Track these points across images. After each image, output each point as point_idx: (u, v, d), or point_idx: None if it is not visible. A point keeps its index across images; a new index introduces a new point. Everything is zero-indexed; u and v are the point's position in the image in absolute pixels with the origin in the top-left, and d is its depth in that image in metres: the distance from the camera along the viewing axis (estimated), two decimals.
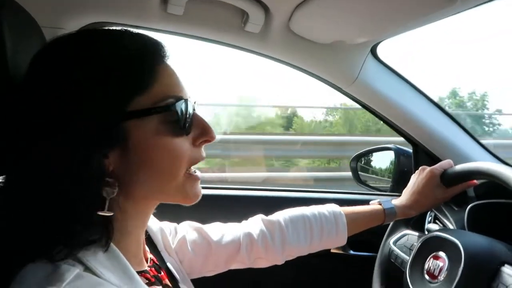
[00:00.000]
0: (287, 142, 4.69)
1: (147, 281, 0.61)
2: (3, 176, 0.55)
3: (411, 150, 1.37)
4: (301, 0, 0.87)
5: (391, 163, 1.51)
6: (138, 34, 0.58)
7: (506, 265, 0.75)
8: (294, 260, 0.94)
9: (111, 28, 0.60)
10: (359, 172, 1.58)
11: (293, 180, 4.53)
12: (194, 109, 0.61)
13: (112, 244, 0.54)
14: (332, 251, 1.32)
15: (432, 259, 0.85)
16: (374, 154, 1.60)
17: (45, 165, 0.50)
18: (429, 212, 1.15)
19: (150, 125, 0.54)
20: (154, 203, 0.63)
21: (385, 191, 1.48)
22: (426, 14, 0.84)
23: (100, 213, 0.52)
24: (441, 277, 0.80)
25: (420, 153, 1.31)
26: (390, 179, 1.49)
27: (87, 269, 0.50)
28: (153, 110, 0.54)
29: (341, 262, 1.34)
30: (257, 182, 4.27)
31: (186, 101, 0.58)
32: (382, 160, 1.60)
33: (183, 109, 0.57)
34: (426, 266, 0.85)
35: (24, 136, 0.51)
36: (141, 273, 0.61)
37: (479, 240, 0.85)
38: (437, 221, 1.12)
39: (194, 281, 0.82)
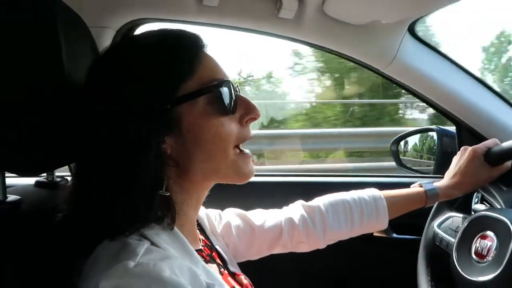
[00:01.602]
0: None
1: (203, 259, 0.65)
2: (74, 164, 0.61)
3: (454, 131, 1.33)
4: None
5: (433, 144, 1.47)
6: (176, 30, 0.64)
7: None
8: (337, 244, 0.95)
9: (152, 29, 0.65)
10: (401, 156, 1.55)
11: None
12: (237, 90, 0.65)
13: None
14: (375, 234, 1.31)
15: (479, 239, 0.83)
16: (415, 136, 1.56)
17: (112, 153, 0.55)
18: (475, 193, 1.11)
19: (198, 107, 0.59)
20: (209, 183, 0.67)
21: (428, 173, 1.45)
22: None
23: (160, 192, 0.57)
24: (490, 257, 0.78)
25: (463, 133, 1.27)
26: (433, 161, 1.45)
27: (153, 244, 0.54)
28: (199, 92, 0.59)
29: (384, 245, 1.32)
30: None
31: (228, 82, 0.62)
32: (424, 142, 1.56)
33: (227, 89, 0.62)
34: (473, 247, 0.83)
35: (93, 129, 0.57)
36: (197, 251, 0.64)
37: None
38: (484, 202, 1.08)
39: (239, 264, 0.86)
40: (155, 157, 0.56)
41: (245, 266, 0.87)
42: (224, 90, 0.61)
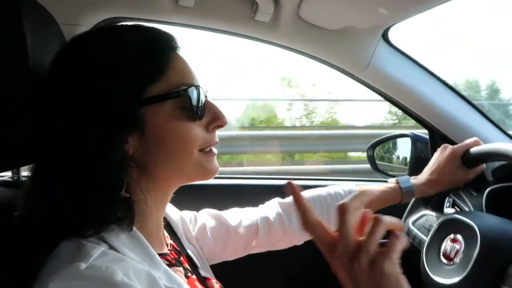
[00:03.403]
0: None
1: (168, 263, 0.64)
2: (32, 165, 0.59)
3: (427, 136, 1.36)
4: None
5: (408, 149, 1.49)
6: (151, 27, 0.63)
7: None
8: (313, 243, 0.95)
9: (125, 24, 0.64)
10: (376, 161, 1.57)
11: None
12: (206, 96, 0.64)
13: (133, 226, 0.57)
14: None
15: (448, 241, 0.85)
16: (390, 141, 1.58)
17: (71, 152, 0.54)
18: (447, 198, 1.14)
19: (165, 110, 0.58)
20: (173, 184, 0.66)
21: None
22: None
23: (120, 194, 0.55)
24: (457, 260, 0.80)
25: (436, 138, 1.29)
26: (407, 166, 1.47)
27: (111, 248, 0.53)
28: (167, 96, 0.58)
29: None
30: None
31: (198, 87, 0.61)
32: (399, 147, 1.58)
33: (196, 95, 0.61)
34: (442, 248, 0.85)
35: (50, 127, 0.55)
36: (161, 255, 0.63)
37: (495, 223, 0.84)
38: (455, 206, 1.11)
39: (215, 266, 0.85)
40: (117, 157, 0.55)
41: (221, 267, 0.86)
42: (193, 95, 0.60)
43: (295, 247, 0.94)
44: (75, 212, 0.53)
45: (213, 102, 0.66)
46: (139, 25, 0.63)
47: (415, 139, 1.42)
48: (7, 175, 0.82)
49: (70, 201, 0.54)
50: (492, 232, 0.78)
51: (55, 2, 0.85)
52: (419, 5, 0.93)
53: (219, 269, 0.85)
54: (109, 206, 0.55)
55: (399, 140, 1.55)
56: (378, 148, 1.60)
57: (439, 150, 1.01)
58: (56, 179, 0.55)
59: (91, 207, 0.53)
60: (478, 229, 0.77)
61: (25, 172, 0.80)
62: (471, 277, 0.74)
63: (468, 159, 0.96)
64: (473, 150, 0.96)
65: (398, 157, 1.59)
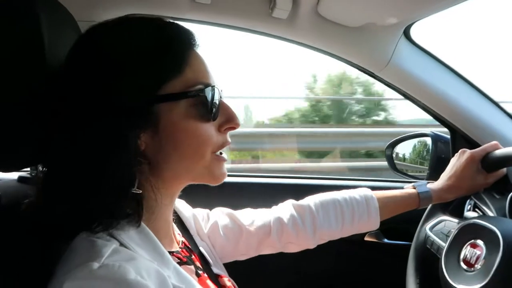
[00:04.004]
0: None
1: (179, 261, 0.64)
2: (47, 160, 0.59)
3: (449, 136, 1.32)
4: None
5: (428, 149, 1.46)
6: (170, 22, 0.62)
7: None
8: (328, 247, 0.94)
9: (145, 17, 0.63)
10: (395, 160, 1.54)
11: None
12: (221, 97, 0.63)
13: (142, 223, 0.57)
14: (366, 239, 1.30)
15: (469, 246, 0.82)
16: (410, 141, 1.55)
17: (84, 146, 0.54)
18: (468, 200, 1.10)
19: (180, 108, 0.58)
20: (182, 183, 0.66)
21: (422, 179, 1.44)
22: None
23: (132, 190, 0.55)
24: (478, 266, 0.77)
25: (458, 139, 1.25)
26: (427, 167, 1.44)
27: (121, 245, 0.53)
28: (183, 95, 0.58)
29: (375, 250, 1.32)
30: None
31: (214, 87, 0.61)
32: (419, 147, 1.55)
33: (211, 95, 0.60)
34: (462, 254, 0.82)
35: (65, 121, 0.55)
36: (172, 253, 0.63)
37: None
38: (476, 209, 1.07)
39: (227, 265, 0.85)
40: (129, 152, 0.54)
41: (234, 268, 0.86)
42: (209, 95, 0.60)
43: (311, 253, 0.93)
44: (88, 205, 0.54)
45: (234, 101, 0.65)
46: (157, 18, 0.62)
47: (436, 138, 1.38)
48: (25, 170, 0.84)
49: (82, 195, 0.54)
50: None
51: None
52: (442, 1, 0.89)
53: (232, 268, 0.85)
54: (120, 202, 0.54)
55: (419, 140, 1.52)
56: (398, 147, 1.58)
57: (457, 154, 0.99)
58: (69, 173, 0.55)
59: (103, 202, 0.54)
60: (501, 233, 0.75)
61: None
62: (493, 284, 0.71)
63: (487, 164, 0.94)
64: (493, 154, 0.94)
65: (418, 157, 1.56)
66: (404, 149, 1.58)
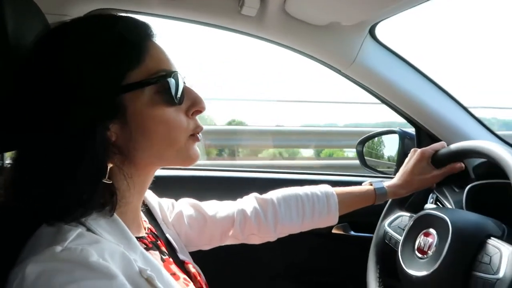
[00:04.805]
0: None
1: (145, 246, 0.66)
2: (15, 151, 0.60)
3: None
4: None
5: (396, 145, 1.51)
6: (128, 17, 0.64)
7: (492, 237, 0.76)
8: (295, 239, 0.98)
9: (104, 14, 0.65)
10: (365, 156, 1.59)
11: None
12: (184, 82, 0.66)
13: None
14: (333, 231, 1.34)
15: (422, 235, 0.86)
16: (379, 137, 1.59)
17: (54, 138, 0.55)
18: (431, 194, 1.15)
19: (144, 96, 0.60)
20: (154, 168, 0.68)
21: (390, 174, 1.49)
22: None
23: (104, 180, 0.57)
24: (430, 253, 0.82)
25: (422, 135, 1.31)
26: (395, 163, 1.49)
27: (88, 230, 0.55)
28: (146, 83, 0.60)
29: (342, 242, 1.36)
30: None
31: (176, 73, 0.63)
32: (388, 143, 1.59)
33: (174, 80, 0.62)
34: (416, 243, 0.87)
35: (33, 113, 0.56)
36: (138, 238, 0.65)
37: (467, 216, 0.87)
38: (438, 202, 1.12)
39: (194, 254, 0.87)
40: (99, 143, 0.56)
41: (199, 257, 0.88)
42: (171, 81, 0.62)
43: (279, 244, 0.96)
44: (59, 197, 0.55)
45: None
46: (116, 15, 0.64)
47: (403, 135, 1.43)
48: None
49: (54, 187, 0.55)
50: (463, 223, 0.80)
51: None
52: (403, 1, 0.93)
53: (198, 257, 0.87)
54: (92, 192, 0.56)
55: (387, 136, 1.57)
56: (368, 144, 1.62)
57: (410, 153, 1.05)
58: (39, 165, 0.56)
59: (75, 193, 0.55)
60: (450, 221, 0.80)
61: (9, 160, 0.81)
62: (443, 268, 0.76)
63: (437, 159, 1.00)
64: (443, 150, 1.00)
65: (387, 153, 1.61)
66: (373, 146, 1.64)
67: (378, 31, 1.15)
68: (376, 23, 1.11)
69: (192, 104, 0.66)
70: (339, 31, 1.09)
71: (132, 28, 0.62)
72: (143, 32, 0.63)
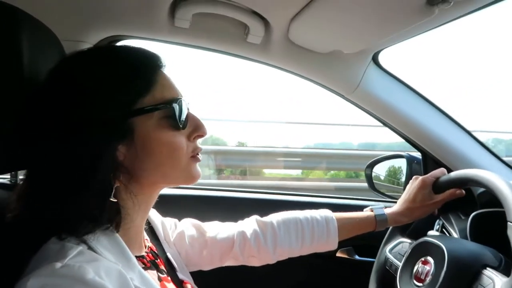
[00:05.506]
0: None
1: (143, 266, 0.69)
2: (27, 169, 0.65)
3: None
4: (296, 12, 0.92)
5: (403, 170, 1.50)
6: (140, 48, 0.70)
7: (487, 268, 0.76)
8: (300, 261, 0.98)
9: (118, 45, 0.70)
10: (374, 180, 1.59)
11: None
12: (188, 108, 0.71)
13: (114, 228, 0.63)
14: (337, 255, 1.34)
15: (420, 263, 0.87)
16: (387, 161, 1.59)
17: (65, 158, 0.59)
18: (437, 221, 1.15)
19: (152, 121, 0.65)
20: (158, 188, 0.72)
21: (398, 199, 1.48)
22: (408, 25, 0.86)
23: (110, 199, 0.61)
24: (427, 280, 0.82)
25: (428, 160, 1.31)
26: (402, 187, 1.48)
27: (90, 248, 0.58)
28: (154, 108, 0.65)
29: (346, 266, 1.35)
30: None
31: (181, 100, 0.68)
32: (396, 167, 1.59)
33: (179, 107, 0.68)
34: (414, 270, 0.87)
35: (46, 133, 0.61)
36: (138, 257, 0.68)
37: (464, 245, 0.86)
38: (444, 229, 1.12)
39: (193, 274, 0.89)
40: (108, 163, 0.60)
41: (202, 278, 0.90)
42: (177, 107, 0.67)
43: (283, 266, 0.97)
44: (67, 215, 0.58)
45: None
46: (130, 46, 0.71)
47: (410, 160, 1.43)
48: (6, 177, 0.89)
49: (62, 205, 0.58)
50: (459, 252, 0.80)
51: (57, 19, 0.91)
52: (404, 32, 0.95)
53: (200, 278, 0.89)
54: (100, 209, 0.60)
55: (395, 161, 1.57)
56: (376, 167, 1.62)
57: (410, 182, 1.04)
58: (50, 183, 0.60)
59: (82, 210, 0.58)
60: (446, 249, 0.80)
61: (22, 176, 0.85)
62: None
63: (438, 186, 0.99)
64: (444, 177, 0.99)
65: (395, 177, 1.61)
66: (382, 170, 1.64)
67: (382, 58, 1.17)
68: (380, 50, 1.13)
69: (194, 129, 0.72)
70: (342, 58, 1.12)
71: (143, 59, 0.68)
72: (154, 63, 0.68)
